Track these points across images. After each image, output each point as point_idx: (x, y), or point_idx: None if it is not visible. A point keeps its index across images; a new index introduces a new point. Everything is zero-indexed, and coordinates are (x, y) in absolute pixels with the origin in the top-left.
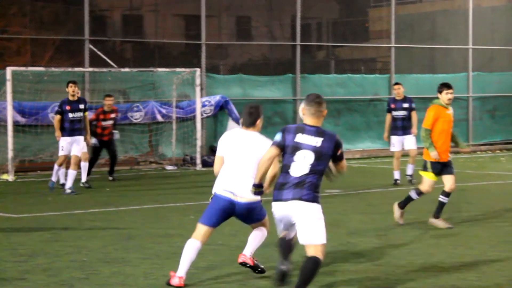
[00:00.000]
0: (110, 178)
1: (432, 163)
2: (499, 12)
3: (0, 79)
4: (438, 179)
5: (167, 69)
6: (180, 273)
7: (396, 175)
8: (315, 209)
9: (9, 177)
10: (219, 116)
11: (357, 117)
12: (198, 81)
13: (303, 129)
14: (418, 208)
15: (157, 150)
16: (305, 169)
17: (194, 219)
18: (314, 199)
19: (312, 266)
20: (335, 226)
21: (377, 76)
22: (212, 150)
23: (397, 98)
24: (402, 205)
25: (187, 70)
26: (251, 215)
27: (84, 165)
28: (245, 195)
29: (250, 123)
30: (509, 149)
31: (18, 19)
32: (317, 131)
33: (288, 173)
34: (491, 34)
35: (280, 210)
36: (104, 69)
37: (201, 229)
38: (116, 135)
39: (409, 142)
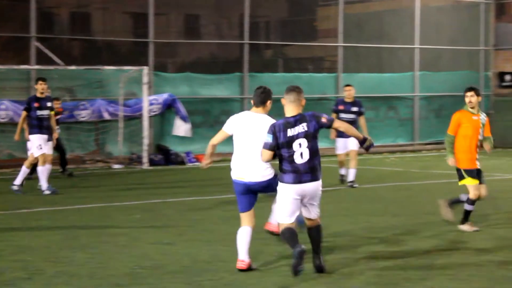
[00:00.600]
0: (67, 173)
1: (466, 170)
2: (445, 12)
3: None
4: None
5: (114, 67)
6: (241, 257)
7: (342, 171)
8: (321, 186)
9: None
10: (166, 115)
11: None
12: (145, 79)
13: (289, 123)
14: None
15: (103, 148)
16: (307, 155)
17: (140, 218)
18: (320, 178)
19: (320, 232)
20: None
21: (325, 75)
22: (160, 149)
23: (347, 100)
24: (451, 204)
25: (135, 68)
26: (269, 189)
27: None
28: (254, 178)
29: (260, 102)
30: None
31: None
32: (300, 119)
33: (293, 161)
34: (437, 34)
35: (299, 192)
36: (51, 67)
37: (243, 216)
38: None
39: (351, 143)
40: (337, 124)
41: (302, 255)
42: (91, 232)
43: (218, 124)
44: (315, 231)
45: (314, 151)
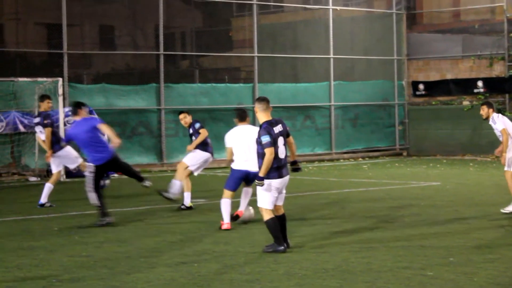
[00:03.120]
0: None
1: None
2: (358, 22)
3: None
4: None
5: (29, 79)
6: (226, 220)
7: None
8: None
9: None
10: None
11: (221, 126)
12: (60, 91)
13: (272, 123)
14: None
15: (19, 161)
16: (284, 151)
17: (58, 231)
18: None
19: (285, 220)
20: (197, 238)
21: (241, 85)
22: None
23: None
24: None
25: (49, 79)
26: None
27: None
28: (255, 168)
29: (243, 118)
30: (371, 157)
31: None
32: (275, 121)
33: (277, 157)
34: (352, 44)
35: (280, 183)
36: None
37: (227, 192)
38: None
39: None
40: (291, 139)
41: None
42: (8, 246)
43: (135, 135)
44: (283, 219)
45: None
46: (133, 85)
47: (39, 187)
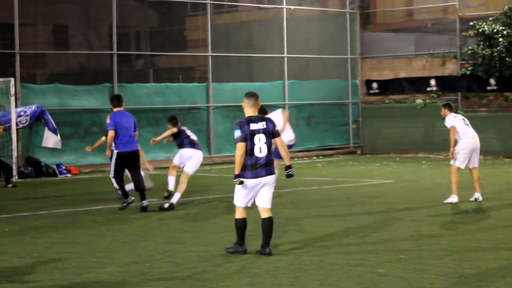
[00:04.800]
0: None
1: None
2: (312, 21)
3: None
4: None
5: None
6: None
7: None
8: (275, 179)
9: None
10: (35, 127)
11: None
12: (12, 91)
13: (251, 119)
14: None
15: None
16: (265, 150)
17: (9, 232)
18: (274, 171)
19: (272, 224)
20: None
21: (195, 85)
22: (30, 161)
23: None
24: None
25: (1, 79)
26: None
27: None
28: None
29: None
30: (325, 155)
31: None
32: (257, 118)
33: (253, 155)
34: (306, 43)
35: (254, 183)
36: None
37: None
38: None
39: None
40: (280, 140)
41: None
42: None
43: (88, 135)
44: (268, 223)
45: (269, 147)
46: (87, 85)
47: None
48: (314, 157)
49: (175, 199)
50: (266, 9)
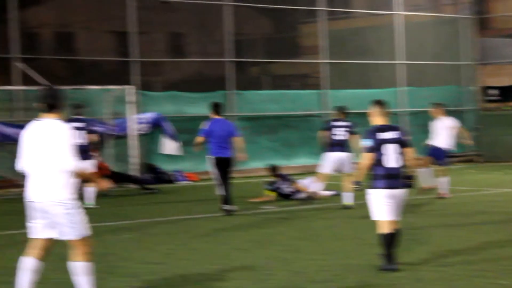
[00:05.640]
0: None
1: None
2: (427, 27)
3: None
4: None
5: (99, 87)
6: None
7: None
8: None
9: None
10: (153, 134)
11: (292, 133)
12: (130, 99)
13: (381, 128)
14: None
15: None
16: (398, 160)
17: (130, 238)
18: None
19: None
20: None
21: (310, 92)
22: (148, 168)
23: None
24: None
25: (119, 87)
26: None
27: None
28: None
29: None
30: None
31: None
32: (390, 127)
33: (383, 165)
34: (420, 49)
35: (391, 195)
36: (34, 87)
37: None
38: None
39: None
40: (409, 150)
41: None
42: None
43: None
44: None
45: (400, 158)
46: (202, 92)
47: (110, 193)
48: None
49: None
50: (379, 15)
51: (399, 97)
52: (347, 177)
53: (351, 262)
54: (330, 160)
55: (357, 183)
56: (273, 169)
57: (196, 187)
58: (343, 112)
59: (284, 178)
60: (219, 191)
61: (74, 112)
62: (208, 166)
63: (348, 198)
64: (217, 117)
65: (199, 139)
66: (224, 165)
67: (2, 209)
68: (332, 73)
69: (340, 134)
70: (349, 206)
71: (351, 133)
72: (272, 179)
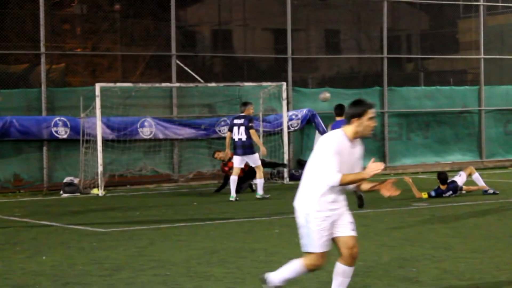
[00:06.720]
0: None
1: None
2: None
3: (90, 95)
4: None
5: (253, 83)
6: None
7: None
8: None
9: (99, 191)
10: (305, 130)
11: (446, 130)
12: (284, 95)
13: None
14: None
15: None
16: None
17: (279, 233)
18: None
19: None
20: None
21: (466, 88)
22: (300, 164)
23: None
24: None
25: (273, 84)
26: None
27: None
28: None
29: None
30: None
31: (109, 35)
32: None
33: None
34: None
35: None
36: (191, 84)
37: None
38: None
39: None
40: None
41: None
42: (230, 247)
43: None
44: None
45: None
46: (357, 88)
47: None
48: None
49: None
50: None
51: None
52: None
53: (502, 261)
54: None
55: None
56: (444, 179)
57: None
58: None
59: (450, 188)
60: None
61: (241, 110)
62: None
63: None
64: (339, 118)
65: None
66: None
67: (158, 203)
68: (489, 68)
69: None
70: None
71: None
72: (439, 186)
